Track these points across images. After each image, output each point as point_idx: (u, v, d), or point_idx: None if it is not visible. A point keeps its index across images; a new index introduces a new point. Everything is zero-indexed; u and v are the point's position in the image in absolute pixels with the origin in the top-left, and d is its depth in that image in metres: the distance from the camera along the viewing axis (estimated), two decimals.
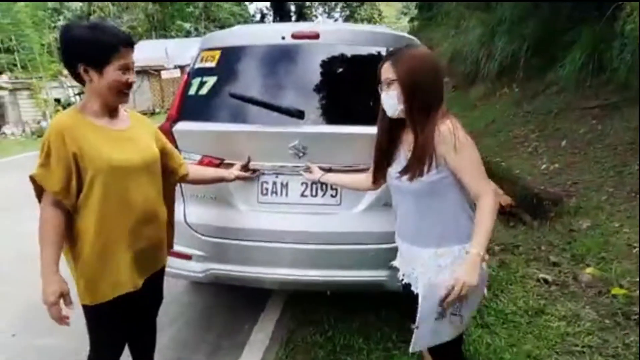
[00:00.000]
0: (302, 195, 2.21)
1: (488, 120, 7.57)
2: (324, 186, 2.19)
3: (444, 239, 1.47)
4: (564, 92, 6.04)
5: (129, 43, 1.46)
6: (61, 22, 23.72)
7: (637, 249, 3.07)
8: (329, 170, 2.05)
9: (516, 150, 5.85)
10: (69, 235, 1.47)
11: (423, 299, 1.40)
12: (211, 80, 2.23)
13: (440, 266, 1.46)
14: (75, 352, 2.50)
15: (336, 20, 36.18)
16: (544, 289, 2.90)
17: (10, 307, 3.06)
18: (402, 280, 1.65)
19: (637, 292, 2.65)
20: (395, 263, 1.71)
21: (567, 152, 4.91)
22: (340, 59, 2.20)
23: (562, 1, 6.36)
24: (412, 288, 1.57)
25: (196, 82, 2.28)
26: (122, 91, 1.48)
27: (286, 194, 2.22)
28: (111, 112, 1.53)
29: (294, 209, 2.21)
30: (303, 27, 2.25)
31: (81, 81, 1.45)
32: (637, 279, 2.75)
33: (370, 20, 33.66)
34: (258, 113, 2.14)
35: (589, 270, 2.99)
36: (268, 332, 2.51)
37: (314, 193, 2.21)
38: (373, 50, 2.18)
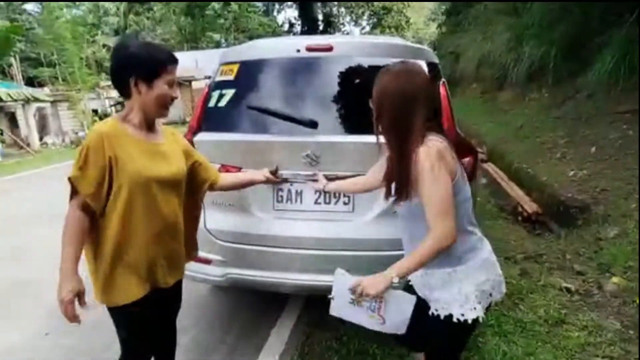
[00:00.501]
0: (316, 202, 2.27)
1: (516, 126, 7.42)
2: (336, 193, 2.23)
3: (430, 263, 1.42)
4: (594, 96, 5.87)
5: (174, 61, 1.57)
6: (99, 37, 24.91)
7: None
8: (335, 179, 2.10)
9: (544, 156, 5.71)
10: (93, 237, 1.54)
11: (339, 275, 1.52)
12: (230, 93, 2.33)
13: (431, 286, 1.50)
14: (100, 350, 2.65)
15: (363, 28, 36.26)
16: (566, 298, 2.83)
17: (45, 308, 3.24)
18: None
19: None
20: None
21: (597, 158, 4.76)
22: (353, 71, 2.26)
23: (593, 0, 6.17)
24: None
25: (216, 94, 2.39)
26: (166, 105, 1.58)
27: (301, 201, 2.29)
28: (150, 125, 1.61)
29: (308, 215, 2.28)
30: (317, 39, 2.32)
31: (127, 94, 1.54)
32: None
33: (397, 27, 33.58)
34: (274, 123, 2.23)
35: (614, 279, 2.90)
36: (284, 335, 2.56)
37: (327, 200, 2.27)
38: (386, 61, 2.22)
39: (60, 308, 1.49)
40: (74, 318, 1.52)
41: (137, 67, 1.50)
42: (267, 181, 2.13)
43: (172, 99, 1.59)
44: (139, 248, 1.56)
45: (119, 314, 1.63)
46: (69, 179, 1.45)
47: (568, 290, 2.92)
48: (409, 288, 1.63)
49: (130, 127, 1.55)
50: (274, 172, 2.17)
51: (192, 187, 1.80)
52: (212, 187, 1.92)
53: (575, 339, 2.40)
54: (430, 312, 1.53)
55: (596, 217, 3.84)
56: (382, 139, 1.50)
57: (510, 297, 2.86)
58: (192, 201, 1.83)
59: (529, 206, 4.74)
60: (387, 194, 1.51)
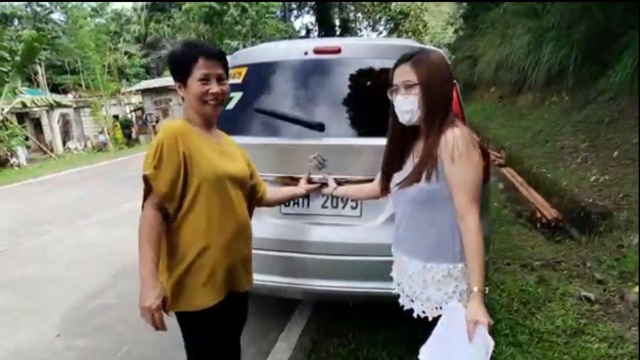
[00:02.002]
0: (323, 206, 2.25)
1: (535, 130, 7.26)
2: (344, 198, 2.19)
3: (435, 254, 1.41)
4: (617, 99, 5.69)
5: (210, 55, 1.48)
6: (121, 45, 25.52)
7: None
8: (345, 183, 2.07)
9: (564, 161, 5.56)
10: (165, 239, 1.45)
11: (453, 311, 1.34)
12: (237, 96, 2.33)
13: (426, 281, 1.43)
14: (112, 352, 2.67)
15: (380, 33, 36.22)
16: (585, 308, 2.72)
17: (58, 309, 3.29)
18: (395, 290, 1.63)
19: None
20: (392, 273, 1.69)
21: (619, 163, 4.60)
22: (361, 72, 2.23)
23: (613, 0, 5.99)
24: (400, 300, 1.55)
25: None
26: (206, 101, 1.49)
27: (308, 205, 2.26)
28: (209, 125, 1.57)
29: (316, 219, 2.25)
30: (325, 42, 2.31)
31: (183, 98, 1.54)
32: None
33: (415, 32, 33.42)
34: (281, 126, 2.22)
35: (637, 289, 2.77)
36: (292, 341, 2.53)
37: (334, 204, 2.24)
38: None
39: (144, 316, 1.34)
40: (161, 326, 1.36)
41: (173, 71, 1.50)
42: (308, 192, 2.12)
43: (211, 94, 1.48)
44: (218, 251, 1.48)
45: (192, 320, 1.51)
46: (144, 177, 1.37)
47: (588, 299, 2.81)
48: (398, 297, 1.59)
49: (196, 127, 1.52)
50: (309, 179, 2.14)
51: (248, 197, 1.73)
52: (259, 202, 1.87)
53: (595, 350, 2.30)
54: (415, 315, 1.46)
55: (618, 223, 3.70)
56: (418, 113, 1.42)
57: (526, 305, 2.77)
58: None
59: (549, 212, 4.62)
60: (413, 178, 1.42)
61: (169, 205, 1.40)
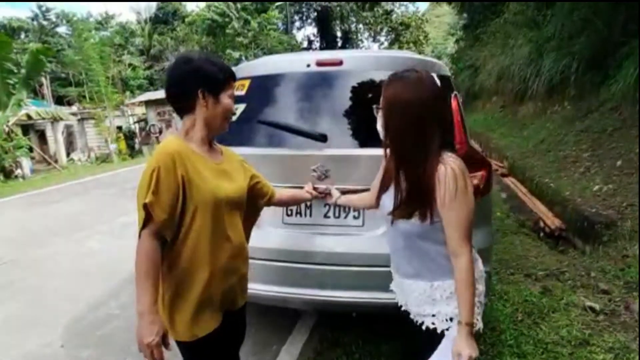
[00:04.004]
0: (325, 216, 2.25)
1: (537, 140, 7.28)
2: (346, 207, 2.20)
3: (440, 274, 1.39)
4: (618, 109, 5.70)
5: (235, 75, 1.57)
6: (125, 57, 25.80)
7: None
8: (347, 192, 2.07)
9: (567, 170, 5.56)
10: (163, 268, 1.40)
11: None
12: (240, 108, 2.35)
13: (434, 300, 1.41)
14: None
15: (381, 44, 36.49)
16: (590, 318, 2.70)
17: (62, 319, 3.29)
18: (401, 307, 1.60)
19: None
20: (392, 287, 1.67)
21: (622, 172, 4.59)
22: (363, 84, 2.25)
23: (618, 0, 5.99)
24: (411, 316, 1.53)
25: None
26: (229, 118, 1.55)
27: (310, 215, 2.27)
28: (210, 142, 1.55)
29: (318, 229, 2.25)
30: (327, 54, 2.34)
31: (189, 108, 1.47)
32: None
33: (416, 43, 33.70)
34: (284, 137, 2.23)
35: None
36: (295, 353, 2.52)
37: (337, 214, 2.24)
38: None
39: (143, 352, 1.32)
40: None
41: (205, 80, 1.46)
42: (312, 198, 2.11)
43: (233, 112, 1.58)
44: (216, 276, 1.44)
45: (192, 347, 1.47)
46: (145, 205, 1.29)
47: (592, 309, 2.79)
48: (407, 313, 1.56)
49: (193, 145, 1.46)
50: (315, 188, 2.13)
51: (251, 202, 1.72)
52: (269, 202, 1.87)
53: None
54: (425, 327, 1.44)
55: (622, 233, 3.69)
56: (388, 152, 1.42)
57: (530, 315, 2.76)
58: (249, 221, 1.75)
59: (552, 221, 4.61)
60: (402, 214, 1.38)
61: (167, 232, 1.35)
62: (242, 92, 2.38)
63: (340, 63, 2.24)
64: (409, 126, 1.31)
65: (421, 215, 1.33)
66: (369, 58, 2.42)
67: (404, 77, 1.36)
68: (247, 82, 2.40)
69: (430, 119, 1.30)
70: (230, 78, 1.53)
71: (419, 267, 1.44)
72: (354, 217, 2.22)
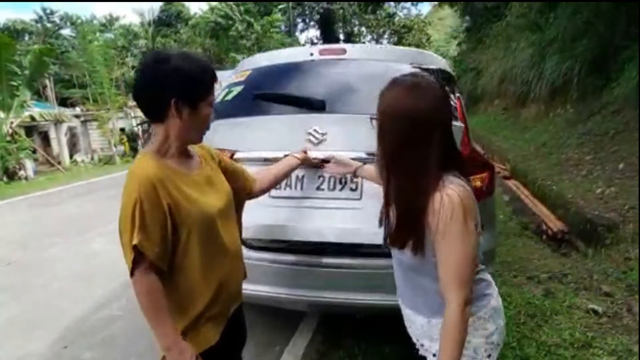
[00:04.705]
0: (318, 188, 2.06)
1: (540, 143, 7.28)
2: (342, 180, 2.02)
3: (436, 312, 1.22)
4: (621, 112, 5.70)
5: (216, 77, 1.35)
6: (128, 59, 25.89)
7: None
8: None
9: (569, 173, 5.56)
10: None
11: None
12: (237, 89, 2.34)
13: (432, 338, 1.27)
14: None
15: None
16: (593, 321, 2.70)
17: (65, 320, 3.31)
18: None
19: None
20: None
21: (625, 175, 4.59)
22: (365, 71, 2.24)
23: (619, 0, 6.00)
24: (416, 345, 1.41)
25: (223, 92, 2.40)
26: (207, 127, 1.37)
27: (301, 187, 2.07)
28: (186, 152, 1.37)
29: (310, 203, 2.06)
30: (331, 45, 2.38)
31: (160, 117, 1.26)
32: None
33: (418, 45, 33.72)
34: (278, 109, 2.15)
35: None
36: (298, 354, 2.52)
37: (331, 186, 2.04)
38: (398, 66, 2.19)
39: None
40: None
41: (182, 87, 1.23)
42: (304, 161, 1.90)
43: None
44: (216, 292, 1.36)
45: None
46: (135, 247, 1.16)
47: (595, 312, 2.79)
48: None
49: (170, 161, 1.30)
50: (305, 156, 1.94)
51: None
52: (250, 195, 1.71)
53: None
54: None
55: (625, 236, 3.68)
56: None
57: (533, 318, 2.76)
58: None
59: (554, 224, 4.60)
60: (394, 244, 1.23)
61: (162, 264, 1.23)
62: (242, 79, 2.40)
63: (343, 52, 2.28)
64: (402, 142, 1.13)
65: (413, 247, 1.16)
66: (372, 49, 2.50)
67: (399, 82, 1.17)
68: (247, 72, 2.42)
69: (429, 133, 1.10)
70: (213, 81, 1.33)
71: (416, 300, 1.31)
72: (351, 190, 2.03)
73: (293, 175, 2.04)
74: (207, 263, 1.32)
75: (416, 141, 1.11)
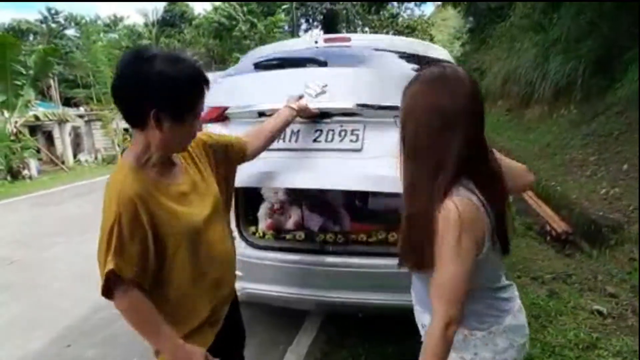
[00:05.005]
0: (315, 140, 1.97)
1: (544, 143, 7.25)
2: (342, 132, 1.93)
3: None
4: (625, 113, 5.68)
5: (208, 82, 1.21)
6: None
7: None
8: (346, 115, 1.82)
9: (573, 174, 5.54)
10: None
11: None
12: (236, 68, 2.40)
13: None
14: None
15: None
16: (597, 322, 2.69)
17: (68, 319, 3.32)
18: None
19: None
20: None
21: (629, 176, 4.57)
22: (369, 57, 2.29)
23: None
24: None
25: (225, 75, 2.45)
26: (194, 136, 1.27)
27: (296, 140, 1.96)
28: (169, 160, 1.26)
29: (306, 154, 1.95)
30: (336, 35, 2.48)
31: (140, 124, 1.14)
32: None
33: None
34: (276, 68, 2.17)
35: None
36: (301, 353, 2.53)
37: (329, 138, 1.94)
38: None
39: None
40: None
41: (164, 96, 1.10)
42: (300, 112, 1.77)
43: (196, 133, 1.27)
44: (207, 299, 1.32)
45: None
46: (108, 273, 1.09)
47: (600, 313, 2.78)
48: None
49: (151, 171, 1.19)
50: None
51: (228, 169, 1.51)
52: (244, 158, 1.61)
53: None
54: None
55: (629, 236, 3.67)
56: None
57: (537, 319, 2.75)
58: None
59: (558, 225, 4.59)
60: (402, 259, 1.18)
61: (143, 282, 1.16)
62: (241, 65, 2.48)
63: (348, 39, 2.37)
64: (419, 138, 1.06)
65: (431, 264, 1.06)
66: (376, 37, 2.57)
67: (424, 74, 1.09)
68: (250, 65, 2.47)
69: (448, 133, 1.01)
70: (203, 89, 1.19)
71: (428, 303, 1.18)
72: (351, 141, 1.91)
73: (288, 130, 1.92)
74: (196, 272, 1.27)
75: (434, 139, 1.03)
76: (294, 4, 26.92)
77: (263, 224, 2.44)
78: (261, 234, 2.39)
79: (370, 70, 2.00)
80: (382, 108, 1.80)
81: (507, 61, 10.76)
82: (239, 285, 2.31)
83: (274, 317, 2.96)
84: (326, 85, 1.88)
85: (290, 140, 1.96)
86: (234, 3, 28.32)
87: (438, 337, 1.00)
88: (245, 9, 27.98)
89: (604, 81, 6.37)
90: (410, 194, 1.11)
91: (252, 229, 2.43)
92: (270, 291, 2.30)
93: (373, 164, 1.82)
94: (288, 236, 2.37)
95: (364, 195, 2.69)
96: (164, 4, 32.67)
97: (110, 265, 1.08)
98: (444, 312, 1.01)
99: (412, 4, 34.94)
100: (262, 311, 3.12)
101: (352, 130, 1.91)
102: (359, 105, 1.85)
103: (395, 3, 33.68)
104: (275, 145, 1.85)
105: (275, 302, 2.40)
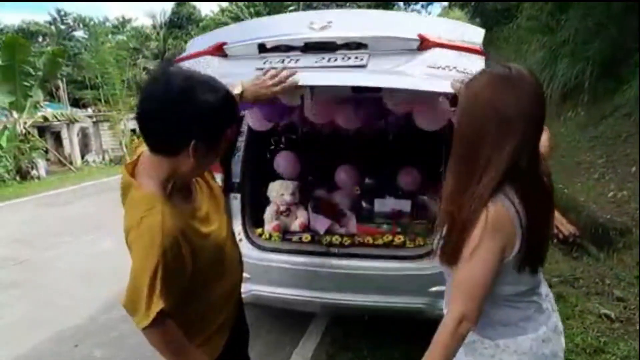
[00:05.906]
0: (317, 62, 1.83)
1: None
2: (346, 57, 1.83)
3: (482, 329, 1.13)
4: (633, 115, 5.63)
5: (237, 104, 1.22)
6: (140, 61, 26.14)
7: None
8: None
9: (581, 177, 5.50)
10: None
11: None
12: None
13: (475, 350, 1.17)
14: None
15: None
16: (605, 326, 2.68)
17: (75, 319, 3.35)
18: None
19: None
20: None
21: (637, 178, 4.53)
22: None
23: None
24: None
25: None
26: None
27: (295, 62, 1.81)
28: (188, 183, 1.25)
29: (307, 70, 1.75)
30: None
31: (172, 153, 1.09)
32: None
33: None
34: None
35: None
36: (307, 355, 2.54)
37: (332, 61, 1.82)
38: None
39: None
40: None
41: (207, 127, 1.08)
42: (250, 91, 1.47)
43: None
44: (218, 312, 1.32)
45: None
46: (157, 315, 1.05)
47: (608, 317, 2.76)
48: None
49: (176, 199, 1.16)
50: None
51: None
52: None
53: None
54: None
55: (637, 240, 3.64)
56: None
57: None
58: None
59: (566, 228, 4.54)
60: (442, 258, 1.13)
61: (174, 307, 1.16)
62: None
63: None
64: (468, 138, 1.03)
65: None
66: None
67: (485, 71, 1.07)
68: None
69: (503, 138, 0.96)
70: (236, 109, 1.19)
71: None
72: (356, 59, 1.81)
73: (286, 60, 1.81)
74: (218, 283, 1.28)
75: (487, 142, 0.98)
76: (301, 4, 26.95)
77: (269, 225, 2.45)
78: (267, 236, 2.41)
79: (379, 11, 2.02)
80: (390, 38, 1.76)
81: (514, 63, 10.70)
82: (244, 287, 2.35)
83: (280, 319, 2.97)
84: (331, 21, 1.83)
85: (289, 63, 1.79)
86: (240, 4, 28.44)
87: (449, 331, 1.00)
88: (252, 10, 28.08)
89: (612, 83, 6.32)
90: (453, 193, 1.07)
91: (259, 230, 2.44)
92: (276, 293, 2.32)
93: (378, 74, 1.76)
94: (294, 238, 2.38)
95: (370, 197, 2.70)
96: (171, 5, 32.84)
97: (157, 307, 1.04)
98: (459, 307, 1.01)
99: (418, 5, 34.85)
100: (268, 313, 3.14)
101: (357, 56, 1.82)
102: (358, 42, 1.78)
103: (401, 4, 33.63)
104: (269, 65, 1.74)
105: (281, 304, 2.41)
